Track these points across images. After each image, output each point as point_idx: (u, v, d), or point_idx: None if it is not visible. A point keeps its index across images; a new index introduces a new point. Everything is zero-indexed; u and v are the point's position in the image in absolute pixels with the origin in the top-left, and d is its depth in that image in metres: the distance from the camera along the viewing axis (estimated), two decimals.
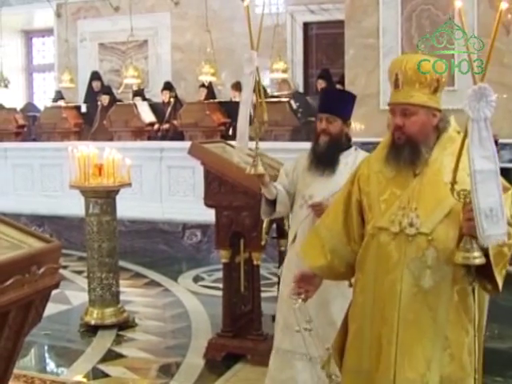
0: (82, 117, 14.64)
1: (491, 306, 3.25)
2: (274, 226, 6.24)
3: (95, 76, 15.95)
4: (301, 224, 4.64)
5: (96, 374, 5.93)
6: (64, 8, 16.70)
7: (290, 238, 4.79)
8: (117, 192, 7.13)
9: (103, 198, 7.00)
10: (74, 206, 9.99)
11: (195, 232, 10.50)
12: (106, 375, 5.89)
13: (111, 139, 12.67)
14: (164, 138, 13.38)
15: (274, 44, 13.88)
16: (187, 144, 6.62)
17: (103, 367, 6.04)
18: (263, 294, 6.32)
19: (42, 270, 3.16)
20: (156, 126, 13.59)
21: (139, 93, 14.82)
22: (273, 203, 4.73)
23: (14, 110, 14.80)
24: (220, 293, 6.39)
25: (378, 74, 9.66)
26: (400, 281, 3.05)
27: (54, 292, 3.39)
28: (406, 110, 3.09)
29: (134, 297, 8.24)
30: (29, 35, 19.22)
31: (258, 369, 5.62)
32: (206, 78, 14.03)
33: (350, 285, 3.73)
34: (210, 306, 7.62)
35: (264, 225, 5.75)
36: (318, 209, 4.43)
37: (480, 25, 8.82)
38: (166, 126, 13.72)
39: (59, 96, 15.94)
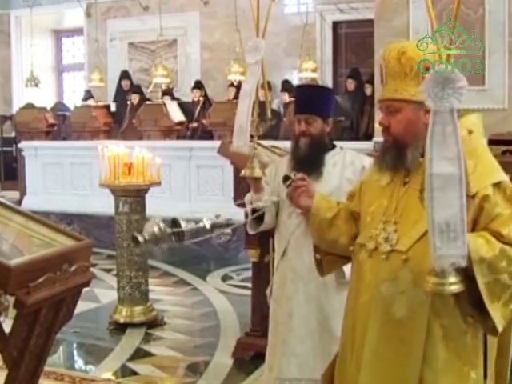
0: (112, 116, 14.73)
1: None
2: None
3: (125, 75, 16.02)
4: (292, 235, 4.04)
5: (124, 371, 5.95)
6: (94, 8, 16.79)
7: (279, 252, 4.18)
8: (146, 191, 7.15)
9: (133, 196, 7.03)
10: (103, 204, 10.03)
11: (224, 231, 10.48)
12: (135, 373, 5.90)
13: (140, 138, 12.73)
14: (193, 137, 13.41)
15: (303, 43, 13.89)
16: (216, 143, 6.63)
17: (132, 365, 6.06)
18: None
19: (73, 267, 3.19)
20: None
21: (168, 92, 14.86)
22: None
23: (45, 109, 14.88)
24: (248, 292, 6.37)
25: None
26: (369, 306, 2.62)
27: (83, 290, 3.41)
28: (390, 106, 2.65)
29: (162, 295, 8.26)
30: (59, 35, 19.35)
31: None
32: (234, 78, 14.05)
33: None
34: (238, 305, 7.62)
35: None
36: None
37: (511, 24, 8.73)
38: (194, 124, 13.76)
39: (89, 95, 16.02)
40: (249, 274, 6.38)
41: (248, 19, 3.82)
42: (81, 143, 12.80)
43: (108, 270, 9.20)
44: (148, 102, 13.94)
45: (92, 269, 3.49)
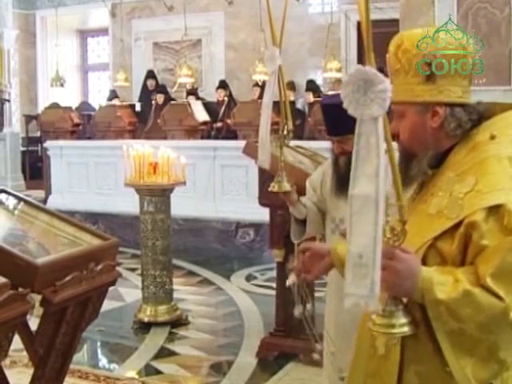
0: (136, 115, 14.77)
1: None
2: None
3: (150, 74, 16.08)
4: None
5: (148, 370, 5.96)
6: (119, 8, 16.88)
7: None
8: (171, 190, 7.15)
9: (158, 196, 7.04)
10: (127, 203, 10.07)
11: (248, 231, 10.49)
12: (159, 372, 5.91)
13: (165, 138, 12.75)
14: (217, 137, 13.42)
15: (328, 43, 13.86)
16: (240, 143, 6.62)
17: (156, 364, 6.07)
18: (316, 294, 6.29)
19: (99, 266, 3.20)
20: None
21: (193, 92, 14.90)
22: (303, 222, 4.14)
23: (70, 108, 14.95)
24: (272, 292, 6.36)
25: None
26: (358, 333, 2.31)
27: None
28: (395, 111, 2.21)
29: (186, 295, 8.27)
30: (84, 35, 19.48)
31: (310, 369, 5.58)
32: (259, 77, 14.06)
33: None
34: (262, 305, 7.61)
35: None
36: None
37: None
38: (219, 124, 13.77)
39: (114, 95, 16.10)
40: (273, 273, 6.37)
41: (272, 19, 3.79)
42: (106, 143, 12.83)
43: (132, 269, 9.23)
44: (173, 102, 13.96)
45: (117, 268, 3.51)
